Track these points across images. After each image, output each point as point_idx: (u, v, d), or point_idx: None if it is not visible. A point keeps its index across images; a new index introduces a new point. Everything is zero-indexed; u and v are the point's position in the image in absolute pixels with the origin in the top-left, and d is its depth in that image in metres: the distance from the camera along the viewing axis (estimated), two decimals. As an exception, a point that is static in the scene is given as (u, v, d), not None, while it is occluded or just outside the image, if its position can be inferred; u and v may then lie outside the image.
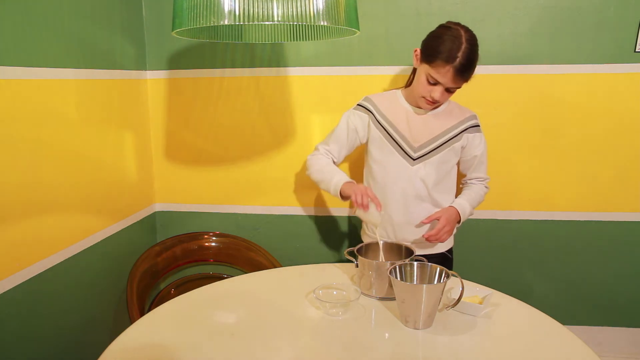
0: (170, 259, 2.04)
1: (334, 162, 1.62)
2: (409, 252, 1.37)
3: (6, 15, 1.32)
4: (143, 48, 2.02)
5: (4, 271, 1.35)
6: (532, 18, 1.83)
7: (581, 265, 2.04)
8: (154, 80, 2.06)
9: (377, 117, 1.58)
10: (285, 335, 1.16)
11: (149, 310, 1.65)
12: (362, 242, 1.53)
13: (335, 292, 1.30)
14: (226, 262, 2.13)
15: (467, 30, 1.41)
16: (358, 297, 1.26)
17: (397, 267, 1.24)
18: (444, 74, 1.40)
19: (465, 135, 1.57)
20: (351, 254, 1.36)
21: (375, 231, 1.47)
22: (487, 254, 2.06)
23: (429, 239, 1.51)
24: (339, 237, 2.14)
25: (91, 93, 1.69)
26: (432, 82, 1.44)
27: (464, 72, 1.40)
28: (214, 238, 2.14)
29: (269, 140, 2.06)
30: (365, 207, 1.39)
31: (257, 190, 2.12)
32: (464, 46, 1.38)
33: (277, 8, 1.03)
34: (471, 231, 2.01)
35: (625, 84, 1.85)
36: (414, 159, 1.56)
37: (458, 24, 1.43)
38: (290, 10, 1.04)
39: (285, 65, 1.98)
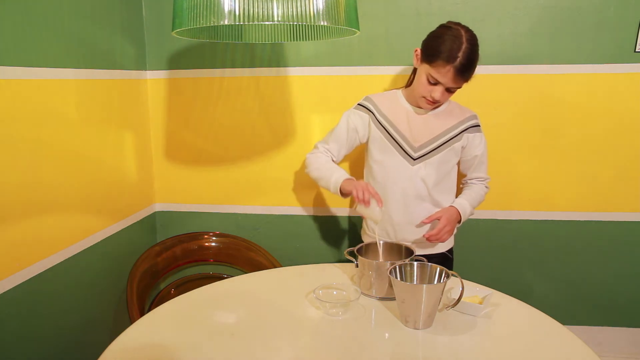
0: (170, 259, 2.04)
1: (332, 161, 1.62)
2: (409, 252, 1.37)
3: (6, 15, 1.32)
4: (143, 48, 2.02)
5: (4, 271, 1.35)
6: (532, 18, 1.83)
7: (581, 265, 2.04)
8: (154, 80, 2.06)
9: (378, 116, 1.58)
10: (285, 335, 1.16)
11: (149, 310, 1.65)
12: (362, 242, 1.53)
13: (335, 292, 1.30)
14: (226, 262, 2.13)
15: (468, 30, 1.42)
16: (358, 297, 1.26)
17: (397, 267, 1.24)
18: (445, 73, 1.40)
19: (465, 135, 1.57)
20: (351, 254, 1.36)
21: (375, 229, 1.47)
22: (487, 254, 2.06)
23: (430, 239, 1.51)
24: (339, 237, 2.14)
25: (91, 93, 1.69)
26: (432, 82, 1.44)
27: (465, 72, 1.40)
28: (214, 238, 2.13)
29: (269, 140, 2.06)
30: (366, 202, 1.39)
31: (257, 190, 2.12)
32: (464, 46, 1.38)
33: (277, 8, 1.03)
34: (471, 231, 2.01)
35: (625, 84, 1.85)
36: (414, 159, 1.55)
37: (458, 24, 1.43)
38: (290, 10, 1.04)
39: (285, 65, 1.98)
